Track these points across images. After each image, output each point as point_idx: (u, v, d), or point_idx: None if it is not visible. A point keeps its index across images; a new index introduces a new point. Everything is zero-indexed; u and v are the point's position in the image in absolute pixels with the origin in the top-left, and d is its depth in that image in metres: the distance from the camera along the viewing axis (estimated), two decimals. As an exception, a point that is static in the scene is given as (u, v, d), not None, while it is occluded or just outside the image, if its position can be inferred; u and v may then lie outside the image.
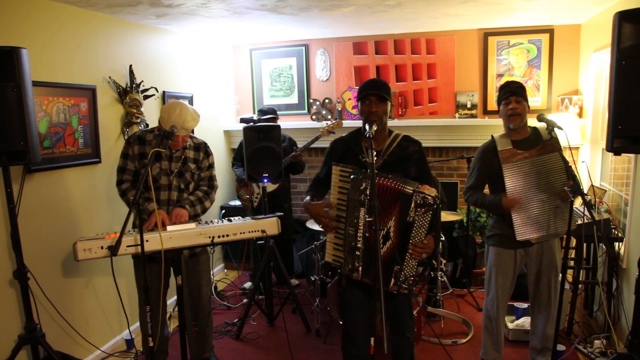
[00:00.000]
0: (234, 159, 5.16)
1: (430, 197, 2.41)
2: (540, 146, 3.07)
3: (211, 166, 3.42)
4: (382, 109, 2.58)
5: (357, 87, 2.69)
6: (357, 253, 2.51)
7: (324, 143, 5.56)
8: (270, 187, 4.78)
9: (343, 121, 5.58)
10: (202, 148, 3.36)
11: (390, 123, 5.39)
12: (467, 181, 3.31)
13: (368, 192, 2.42)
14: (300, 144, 4.89)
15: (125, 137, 4.07)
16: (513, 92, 3.07)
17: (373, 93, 2.57)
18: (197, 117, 3.13)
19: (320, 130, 4.61)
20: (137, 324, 4.09)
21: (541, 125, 3.11)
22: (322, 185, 2.84)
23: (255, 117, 5.01)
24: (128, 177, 3.20)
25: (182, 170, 3.23)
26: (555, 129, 2.94)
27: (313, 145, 5.72)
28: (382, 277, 2.40)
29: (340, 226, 2.58)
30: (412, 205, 2.42)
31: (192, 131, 5.01)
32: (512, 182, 3.07)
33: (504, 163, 3.08)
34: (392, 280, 2.52)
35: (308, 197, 2.75)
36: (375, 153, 2.52)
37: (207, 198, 3.34)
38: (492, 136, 3.22)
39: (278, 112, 5.10)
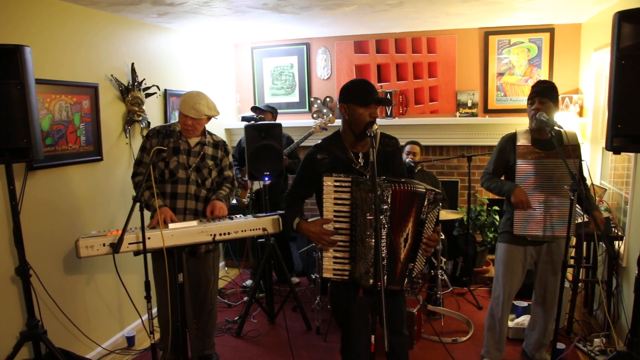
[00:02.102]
0: (232, 156, 5.14)
1: (438, 194, 2.44)
2: (561, 148, 3.06)
3: (231, 165, 3.48)
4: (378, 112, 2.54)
5: (344, 89, 2.53)
6: (382, 263, 2.40)
7: (313, 142, 5.59)
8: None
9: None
10: (221, 146, 3.41)
11: (392, 122, 5.42)
12: (486, 167, 3.37)
13: (390, 201, 2.38)
14: (303, 142, 4.89)
15: (127, 135, 4.09)
16: (538, 93, 3.09)
17: (376, 99, 2.48)
18: (212, 106, 3.21)
19: (312, 128, 4.59)
20: (138, 321, 4.13)
21: (568, 130, 3.12)
22: (302, 199, 2.74)
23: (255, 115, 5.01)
24: (143, 169, 3.23)
25: (200, 165, 3.26)
26: (565, 130, 2.97)
27: (311, 144, 5.75)
28: (398, 276, 2.47)
29: (342, 238, 2.48)
30: (426, 203, 2.42)
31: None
32: (522, 178, 3.11)
33: (519, 158, 3.12)
34: (406, 279, 2.50)
35: (298, 219, 2.59)
36: (362, 156, 2.54)
37: (232, 194, 3.43)
38: (516, 130, 3.24)
39: (279, 111, 5.09)
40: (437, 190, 2.44)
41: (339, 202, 2.44)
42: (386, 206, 2.37)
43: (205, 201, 3.30)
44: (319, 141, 2.66)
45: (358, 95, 2.47)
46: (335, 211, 2.45)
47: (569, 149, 3.01)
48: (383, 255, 2.40)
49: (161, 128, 3.22)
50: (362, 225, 2.41)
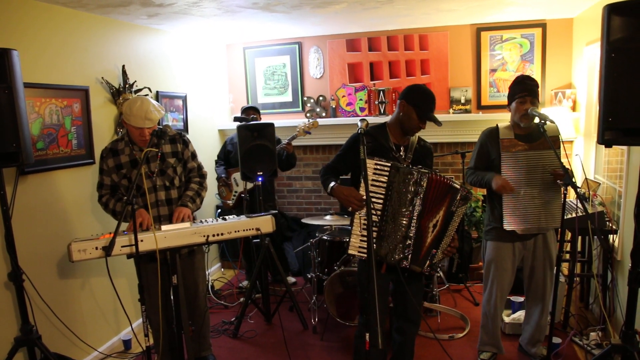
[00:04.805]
0: (217, 157, 5.08)
1: (469, 193, 2.66)
2: (542, 140, 3.09)
3: (194, 155, 3.34)
4: None
5: (413, 90, 2.79)
6: (409, 242, 2.65)
7: (312, 141, 5.62)
8: (248, 185, 4.64)
9: (336, 118, 5.61)
10: (179, 139, 3.26)
11: (385, 119, 5.40)
12: (470, 162, 3.41)
13: (425, 185, 2.60)
14: (295, 142, 4.86)
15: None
16: (530, 92, 3.09)
17: (432, 118, 2.72)
18: (160, 109, 3.07)
19: (296, 130, 4.56)
20: (134, 324, 4.10)
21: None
22: (338, 175, 2.90)
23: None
24: (106, 191, 3.17)
25: (162, 168, 3.15)
26: (549, 123, 2.98)
27: (309, 143, 5.75)
28: (422, 258, 2.69)
29: (372, 218, 2.61)
30: (458, 197, 2.62)
31: (185, 127, 5.01)
32: (508, 171, 3.13)
33: (503, 152, 3.15)
34: (428, 262, 2.70)
35: (333, 182, 2.77)
36: (403, 148, 2.81)
37: (202, 188, 3.33)
38: (497, 125, 3.25)
39: (272, 110, 5.08)
40: (468, 189, 2.68)
41: (376, 184, 2.62)
42: (421, 190, 2.60)
43: (178, 202, 3.21)
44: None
45: (422, 108, 2.71)
46: (371, 192, 2.60)
47: (545, 135, 3.04)
48: (411, 235, 2.65)
49: (112, 145, 3.15)
50: (395, 205, 2.62)
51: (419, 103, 2.71)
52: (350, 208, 2.68)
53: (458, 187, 2.62)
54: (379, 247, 2.65)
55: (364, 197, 2.60)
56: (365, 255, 2.64)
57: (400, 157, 2.78)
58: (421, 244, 2.67)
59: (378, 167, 2.61)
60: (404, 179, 2.59)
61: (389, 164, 2.61)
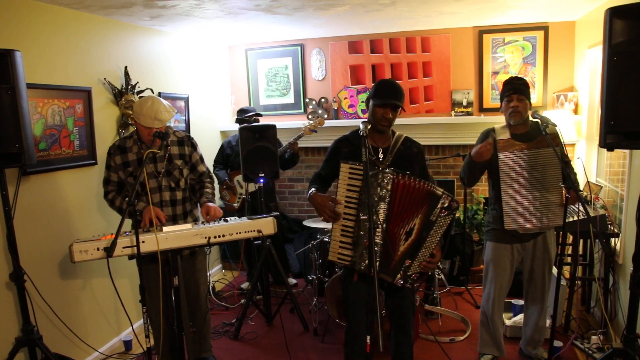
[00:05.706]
0: (215, 162, 5.05)
1: (455, 202, 2.55)
2: (538, 139, 3.10)
3: (202, 159, 3.37)
4: (394, 117, 2.69)
5: (373, 85, 2.78)
6: (375, 249, 2.53)
7: (314, 142, 5.61)
8: (251, 187, 4.76)
9: (338, 120, 5.62)
10: (187, 142, 3.28)
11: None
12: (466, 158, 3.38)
13: (389, 188, 2.52)
14: (298, 143, 4.86)
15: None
16: (516, 90, 3.11)
17: (393, 103, 2.63)
18: (170, 110, 3.08)
19: (302, 129, 4.57)
20: (135, 325, 4.10)
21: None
22: (324, 182, 2.88)
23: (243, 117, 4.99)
24: (112, 187, 3.19)
25: (169, 169, 3.16)
26: (551, 125, 2.98)
27: (311, 145, 5.75)
28: (392, 267, 2.58)
29: (348, 224, 2.59)
30: (439, 206, 2.53)
31: (187, 129, 5.02)
32: (506, 171, 3.13)
33: (501, 152, 3.14)
34: (400, 274, 2.59)
35: (313, 189, 2.74)
36: (381, 150, 2.72)
37: (214, 189, 3.36)
38: (494, 127, 3.26)
39: (274, 112, 5.08)
40: (453, 198, 2.55)
41: (351, 188, 2.56)
42: (386, 194, 2.51)
43: (182, 203, 3.23)
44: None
45: (377, 95, 2.65)
46: (346, 197, 2.58)
47: (545, 139, 3.05)
48: (377, 240, 2.53)
49: (120, 143, 3.17)
50: (365, 211, 2.51)
51: (375, 92, 2.68)
52: (322, 219, 2.65)
53: (439, 193, 2.52)
54: (354, 253, 2.57)
55: (338, 208, 2.57)
56: (344, 262, 2.60)
57: (377, 160, 2.70)
58: (391, 253, 2.56)
59: (353, 171, 2.55)
60: (373, 183, 2.53)
61: (361, 167, 2.54)
